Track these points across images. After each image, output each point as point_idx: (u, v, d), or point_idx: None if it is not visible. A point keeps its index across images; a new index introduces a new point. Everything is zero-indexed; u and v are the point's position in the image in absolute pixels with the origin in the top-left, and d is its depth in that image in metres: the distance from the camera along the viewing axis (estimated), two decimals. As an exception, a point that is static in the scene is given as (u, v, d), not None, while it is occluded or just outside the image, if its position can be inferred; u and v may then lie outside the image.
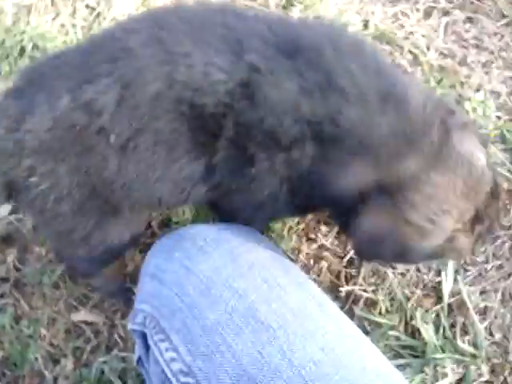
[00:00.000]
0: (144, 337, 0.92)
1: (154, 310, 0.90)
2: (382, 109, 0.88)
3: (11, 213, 1.42)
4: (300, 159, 0.91)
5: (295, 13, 1.59)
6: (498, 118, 1.46)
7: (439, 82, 1.48)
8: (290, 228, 1.35)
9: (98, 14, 1.66)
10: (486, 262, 1.33)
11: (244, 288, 0.85)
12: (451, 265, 1.30)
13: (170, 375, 0.85)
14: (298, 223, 1.36)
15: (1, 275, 1.36)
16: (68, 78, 0.89)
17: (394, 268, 1.31)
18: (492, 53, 1.55)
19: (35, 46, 1.62)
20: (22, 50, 1.63)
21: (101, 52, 0.92)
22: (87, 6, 1.69)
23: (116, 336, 1.31)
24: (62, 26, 1.66)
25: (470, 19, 1.61)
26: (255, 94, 0.88)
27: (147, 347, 0.92)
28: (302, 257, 1.34)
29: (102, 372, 1.26)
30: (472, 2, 1.63)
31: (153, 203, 1.02)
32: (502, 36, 1.59)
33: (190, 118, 0.90)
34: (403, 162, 0.88)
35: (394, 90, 0.90)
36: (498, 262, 1.33)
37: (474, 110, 1.44)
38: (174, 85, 0.88)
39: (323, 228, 1.37)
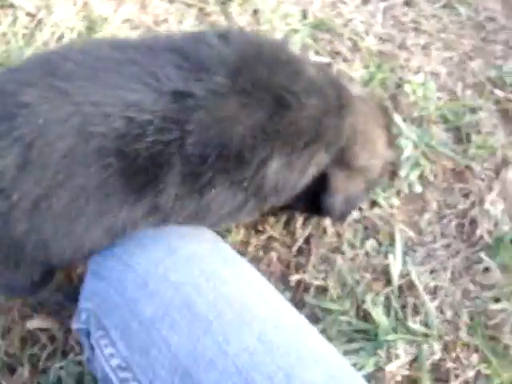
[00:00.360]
0: (89, 335, 0.93)
1: (95, 308, 0.91)
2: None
3: None
4: (266, 171, 0.92)
5: (233, 8, 1.59)
6: (439, 98, 1.48)
7: (379, 66, 1.50)
8: (238, 221, 1.35)
9: (40, 21, 1.66)
10: (434, 241, 1.35)
11: (181, 281, 0.85)
12: (399, 246, 1.31)
13: (109, 371, 0.86)
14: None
15: None
16: None
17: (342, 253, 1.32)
18: (431, 35, 1.57)
19: (-26, 58, 1.61)
20: (-41, 64, 1.62)
21: None
22: (28, 14, 1.68)
23: (71, 341, 1.30)
24: (4, 34, 1.65)
25: (407, 3, 1.63)
26: (193, 120, 0.86)
27: (92, 346, 0.92)
28: (250, 249, 1.34)
29: (59, 378, 1.25)
30: (408, -14, 1.64)
31: (80, 252, 0.96)
32: (440, 18, 1.61)
33: (120, 167, 0.84)
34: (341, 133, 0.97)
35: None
36: (446, 241, 1.35)
37: (414, 91, 1.46)
38: (90, 138, 0.82)
39: (271, 219, 1.37)
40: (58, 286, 1.29)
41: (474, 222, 1.36)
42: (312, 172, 0.99)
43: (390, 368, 1.19)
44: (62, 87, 0.83)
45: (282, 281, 1.31)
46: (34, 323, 1.33)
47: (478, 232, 1.34)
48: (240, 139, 0.88)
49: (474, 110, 1.47)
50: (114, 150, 0.83)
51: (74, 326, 0.97)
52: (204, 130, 0.86)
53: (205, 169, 0.88)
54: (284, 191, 1.00)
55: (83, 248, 0.94)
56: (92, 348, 0.92)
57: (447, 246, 1.35)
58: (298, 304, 1.27)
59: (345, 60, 1.51)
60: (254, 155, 0.91)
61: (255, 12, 1.58)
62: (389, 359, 1.22)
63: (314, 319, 1.25)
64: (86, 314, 0.93)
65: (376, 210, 1.37)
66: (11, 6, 1.69)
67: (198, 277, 0.86)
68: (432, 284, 1.30)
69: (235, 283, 0.87)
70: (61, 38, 1.62)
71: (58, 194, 0.83)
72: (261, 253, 1.35)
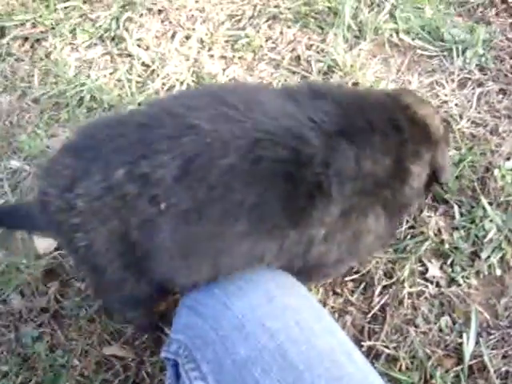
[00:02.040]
0: (176, 366, 0.99)
1: (188, 340, 0.98)
2: None
3: (56, 249, 1.53)
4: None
5: (335, 79, 1.70)
6: (527, 186, 1.51)
7: (470, 149, 1.56)
8: (318, 281, 1.42)
9: (153, 71, 1.81)
10: (510, 326, 1.36)
11: (276, 328, 0.92)
12: (474, 327, 1.34)
13: None
14: (325, 277, 1.42)
15: (42, 306, 1.47)
16: (125, 153, 0.93)
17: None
18: (523, 123, 1.62)
19: (93, 98, 1.78)
20: (81, 101, 1.79)
21: (160, 127, 0.95)
22: (143, 64, 1.84)
23: (143, 372, 1.39)
24: (119, 80, 1.82)
25: (503, 90, 1.69)
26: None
27: (178, 376, 0.99)
28: (327, 310, 1.38)
29: (129, 405, 1.34)
30: (506, 75, 1.71)
31: (207, 276, 1.03)
32: (534, 108, 1.65)
33: (283, 189, 0.93)
34: None
35: None
36: (522, 328, 1.35)
37: (503, 177, 1.50)
38: (259, 160, 0.91)
39: (350, 284, 1.42)
40: (145, 314, 1.37)
41: (552, 313, 1.37)
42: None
43: None
44: (229, 113, 0.95)
45: (354, 345, 1.35)
46: (110, 350, 1.43)
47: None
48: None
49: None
50: (281, 173, 0.93)
51: (163, 354, 1.04)
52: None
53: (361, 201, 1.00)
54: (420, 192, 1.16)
55: (216, 270, 1.00)
56: (178, 377, 0.99)
57: (522, 332, 1.35)
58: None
59: (437, 139, 1.57)
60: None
61: (355, 85, 1.68)
62: None
63: (383, 387, 1.29)
64: (177, 345, 1.00)
65: (454, 288, 1.40)
66: (129, 55, 1.87)
67: (293, 327, 0.92)
68: (504, 369, 1.32)
69: (327, 338, 0.93)
70: (170, 88, 1.78)
71: (210, 208, 0.92)
72: (336, 315, 1.39)
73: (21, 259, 1.52)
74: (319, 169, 0.94)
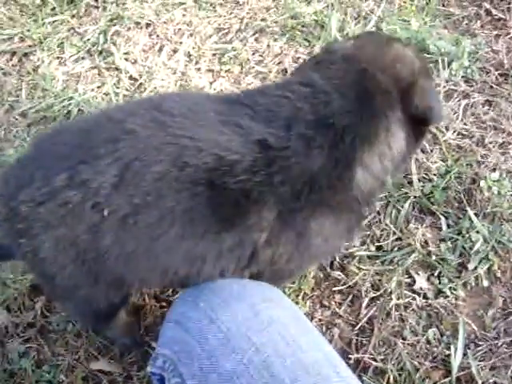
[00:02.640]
0: (162, 380, 0.99)
1: (174, 355, 0.98)
2: None
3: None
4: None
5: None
6: (514, 197, 1.52)
7: (456, 160, 1.57)
8: (305, 294, 1.42)
9: (140, 85, 1.82)
10: (497, 337, 1.37)
11: (262, 342, 0.92)
12: (462, 338, 1.34)
13: None
14: (313, 290, 1.42)
15: (28, 321, 1.46)
16: (66, 158, 0.96)
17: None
18: (509, 134, 1.64)
19: (80, 112, 1.78)
20: (68, 114, 1.79)
21: (99, 133, 0.98)
22: (130, 77, 1.85)
23: (131, 387, 1.38)
24: (106, 94, 1.82)
25: (488, 102, 1.71)
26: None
27: None
28: (314, 323, 1.39)
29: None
30: (491, 87, 1.73)
31: (157, 274, 1.06)
32: (519, 124, 1.67)
33: (208, 196, 0.95)
34: None
35: None
36: (509, 339, 1.37)
37: (489, 188, 1.51)
38: (184, 167, 0.93)
39: (337, 296, 1.42)
40: (125, 331, 1.37)
41: (540, 323, 1.38)
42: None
43: None
44: (163, 120, 0.97)
45: (342, 358, 1.35)
46: (97, 365, 1.43)
47: (544, 333, 1.36)
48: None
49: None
50: (205, 180, 0.94)
51: (149, 368, 1.04)
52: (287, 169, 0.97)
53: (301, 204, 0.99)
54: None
55: (160, 269, 1.04)
56: None
57: (510, 343, 1.36)
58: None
59: (423, 151, 1.59)
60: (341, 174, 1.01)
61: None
62: None
63: (370, 400, 1.29)
64: (163, 360, 1.00)
65: (441, 300, 1.41)
66: (116, 68, 1.88)
67: (279, 341, 0.92)
68: (492, 380, 1.33)
69: (313, 352, 0.93)
70: (158, 102, 1.77)
71: (146, 213, 0.95)
72: (324, 328, 1.40)
73: (7, 274, 1.52)
74: (245, 175, 0.95)
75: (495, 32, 1.87)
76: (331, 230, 1.06)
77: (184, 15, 1.98)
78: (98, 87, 1.85)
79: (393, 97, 1.04)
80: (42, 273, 1.06)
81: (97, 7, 2.07)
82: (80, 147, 0.97)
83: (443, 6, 1.94)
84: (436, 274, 1.43)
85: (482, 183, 1.52)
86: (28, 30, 2.04)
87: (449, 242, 1.46)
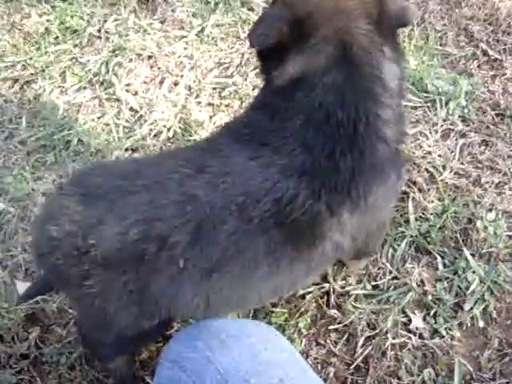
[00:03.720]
0: None
1: None
2: None
3: (38, 293, 1.52)
4: None
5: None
6: (509, 237, 1.54)
7: (453, 200, 1.58)
8: (300, 332, 1.41)
9: (140, 117, 1.83)
10: (493, 379, 1.37)
11: None
12: (457, 379, 1.34)
13: None
14: (309, 327, 1.42)
15: (21, 352, 1.45)
16: (139, 211, 0.98)
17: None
18: (505, 174, 1.66)
19: (80, 141, 1.80)
20: (68, 144, 1.81)
21: (168, 193, 1.00)
22: (131, 109, 1.87)
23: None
24: (107, 124, 1.84)
25: (485, 142, 1.73)
26: None
27: None
28: (309, 361, 1.39)
29: None
30: (488, 127, 1.75)
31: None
32: (516, 159, 1.69)
33: (284, 234, 1.02)
34: None
35: None
36: (505, 380, 1.37)
37: (485, 228, 1.52)
38: (252, 220, 0.99)
39: (333, 334, 1.42)
40: (127, 363, 1.36)
41: (536, 366, 1.38)
42: None
43: None
44: (216, 182, 1.01)
45: (337, 397, 1.35)
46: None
47: (539, 376, 1.36)
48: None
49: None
50: (274, 223, 1.00)
51: None
52: None
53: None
54: None
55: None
56: None
57: (506, 385, 1.36)
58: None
59: (420, 190, 1.60)
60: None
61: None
62: None
63: None
64: None
65: (437, 340, 1.41)
66: (117, 99, 1.90)
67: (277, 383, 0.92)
68: (489, 420, 1.31)
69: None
70: (158, 134, 1.80)
71: (229, 265, 1.01)
72: (319, 366, 1.39)
73: (1, 303, 1.51)
74: (304, 204, 1.00)
75: (492, 72, 1.90)
76: (383, 188, 1.08)
77: (185, 48, 2.00)
78: (99, 118, 1.86)
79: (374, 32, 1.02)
80: (98, 312, 1.07)
81: (99, 37, 2.10)
82: (151, 203, 0.99)
83: (441, 45, 1.97)
84: (432, 314, 1.43)
85: (479, 223, 1.54)
86: (31, 58, 2.06)
87: (445, 282, 1.47)
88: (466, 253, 1.49)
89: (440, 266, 1.49)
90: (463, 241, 1.53)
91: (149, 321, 1.09)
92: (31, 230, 1.25)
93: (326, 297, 1.46)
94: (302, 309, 1.44)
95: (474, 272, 1.47)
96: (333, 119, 1.00)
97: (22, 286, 1.54)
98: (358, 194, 1.02)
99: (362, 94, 1.01)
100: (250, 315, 1.43)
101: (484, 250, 1.51)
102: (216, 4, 2.13)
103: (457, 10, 2.08)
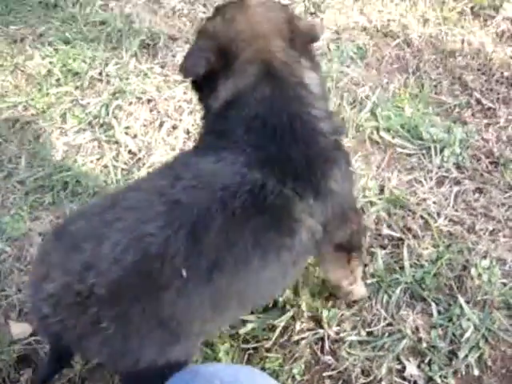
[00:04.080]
0: None
1: None
2: None
3: (31, 334, 1.51)
4: None
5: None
6: (504, 284, 1.54)
7: (448, 247, 1.59)
8: (294, 378, 1.41)
9: (139, 160, 1.86)
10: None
11: None
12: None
13: None
14: (303, 374, 1.41)
15: (12, 395, 1.43)
16: (127, 232, 1.01)
17: None
18: (499, 222, 1.68)
19: (78, 183, 1.81)
20: (66, 185, 1.82)
21: (150, 207, 1.05)
22: (130, 152, 1.89)
23: None
24: (105, 166, 1.86)
25: (479, 189, 1.76)
26: None
27: None
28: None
29: None
30: (482, 174, 1.78)
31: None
32: (510, 206, 1.72)
33: (268, 218, 1.10)
34: None
35: None
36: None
37: (480, 276, 1.53)
38: (235, 212, 1.06)
39: (327, 381, 1.42)
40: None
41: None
42: None
43: None
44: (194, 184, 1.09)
45: None
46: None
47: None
48: None
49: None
50: (254, 212, 1.09)
51: None
52: None
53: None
54: None
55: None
56: None
57: None
58: None
59: (415, 237, 1.61)
60: None
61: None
62: None
63: None
64: None
65: (432, 388, 1.40)
66: (116, 142, 1.93)
67: None
68: None
69: None
70: (156, 176, 1.80)
71: (225, 260, 1.06)
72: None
73: (-6, 344, 1.50)
74: (274, 191, 1.10)
75: (485, 121, 1.94)
76: (337, 172, 1.18)
77: (185, 93, 2.04)
78: (97, 159, 1.89)
79: (292, 52, 1.19)
80: (122, 350, 1.07)
81: (100, 80, 2.14)
82: (137, 221, 1.02)
83: (436, 94, 2.02)
84: (426, 361, 1.43)
85: (473, 270, 1.55)
86: (32, 99, 2.10)
87: (439, 329, 1.47)
88: (461, 300, 1.50)
89: (435, 313, 1.49)
90: (458, 288, 1.53)
91: (173, 344, 1.10)
92: (27, 299, 1.25)
93: (320, 343, 1.46)
94: (297, 355, 1.43)
95: (468, 319, 1.47)
96: (269, 125, 1.12)
97: (15, 327, 1.54)
98: (316, 178, 1.14)
99: (289, 100, 1.16)
100: (244, 361, 1.42)
101: (479, 298, 1.51)
102: (216, 50, 2.19)
103: (451, 60, 2.14)
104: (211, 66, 1.17)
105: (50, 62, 2.26)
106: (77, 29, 2.42)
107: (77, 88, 2.13)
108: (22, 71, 2.25)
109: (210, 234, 1.04)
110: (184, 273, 1.00)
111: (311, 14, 2.36)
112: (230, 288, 1.09)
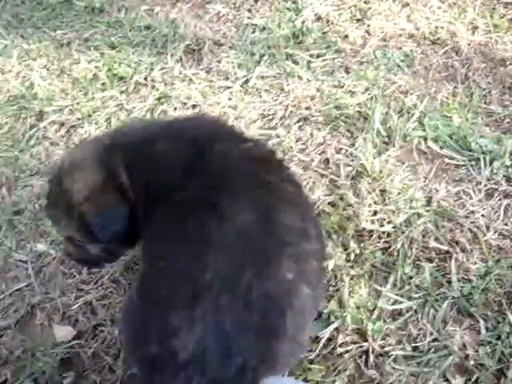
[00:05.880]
0: None
1: None
2: None
3: (74, 338, 1.54)
4: None
5: (363, 184, 1.74)
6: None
7: (497, 261, 1.56)
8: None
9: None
10: None
11: None
12: None
13: None
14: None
15: (55, 396, 1.46)
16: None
17: None
18: (552, 238, 1.63)
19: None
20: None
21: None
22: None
23: None
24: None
25: (531, 204, 1.71)
26: None
27: None
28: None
29: None
30: (532, 187, 1.74)
31: None
32: None
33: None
34: None
35: None
36: None
37: (531, 294, 1.50)
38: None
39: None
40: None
41: None
42: None
43: None
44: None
45: None
46: None
47: None
48: None
49: None
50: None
51: None
52: None
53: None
54: None
55: None
56: None
57: None
58: None
59: (463, 250, 1.59)
60: None
61: (383, 192, 1.72)
62: None
63: None
64: None
65: None
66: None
67: None
68: None
69: None
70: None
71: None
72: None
73: (38, 346, 1.53)
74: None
75: (537, 132, 1.90)
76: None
77: (230, 99, 2.06)
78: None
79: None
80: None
81: (145, 85, 2.18)
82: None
83: (485, 103, 1.99)
84: (474, 380, 1.40)
85: (523, 287, 1.52)
86: (78, 103, 2.14)
87: (488, 347, 1.44)
88: (510, 317, 1.47)
89: (483, 330, 1.47)
90: (507, 304, 1.50)
91: None
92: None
93: (364, 356, 1.45)
94: (340, 367, 1.43)
95: (516, 337, 1.45)
96: None
97: (58, 330, 1.57)
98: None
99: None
100: (286, 373, 1.42)
101: (529, 315, 1.48)
102: (261, 56, 2.21)
103: (501, 68, 2.11)
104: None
105: (96, 67, 2.30)
106: (122, 33, 2.48)
107: (122, 92, 2.17)
108: (69, 75, 2.31)
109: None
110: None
111: (357, 20, 2.35)
112: None
